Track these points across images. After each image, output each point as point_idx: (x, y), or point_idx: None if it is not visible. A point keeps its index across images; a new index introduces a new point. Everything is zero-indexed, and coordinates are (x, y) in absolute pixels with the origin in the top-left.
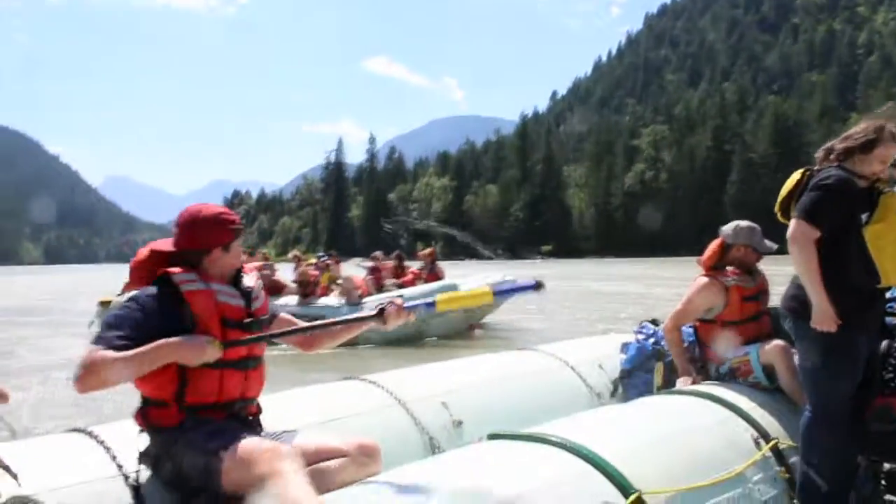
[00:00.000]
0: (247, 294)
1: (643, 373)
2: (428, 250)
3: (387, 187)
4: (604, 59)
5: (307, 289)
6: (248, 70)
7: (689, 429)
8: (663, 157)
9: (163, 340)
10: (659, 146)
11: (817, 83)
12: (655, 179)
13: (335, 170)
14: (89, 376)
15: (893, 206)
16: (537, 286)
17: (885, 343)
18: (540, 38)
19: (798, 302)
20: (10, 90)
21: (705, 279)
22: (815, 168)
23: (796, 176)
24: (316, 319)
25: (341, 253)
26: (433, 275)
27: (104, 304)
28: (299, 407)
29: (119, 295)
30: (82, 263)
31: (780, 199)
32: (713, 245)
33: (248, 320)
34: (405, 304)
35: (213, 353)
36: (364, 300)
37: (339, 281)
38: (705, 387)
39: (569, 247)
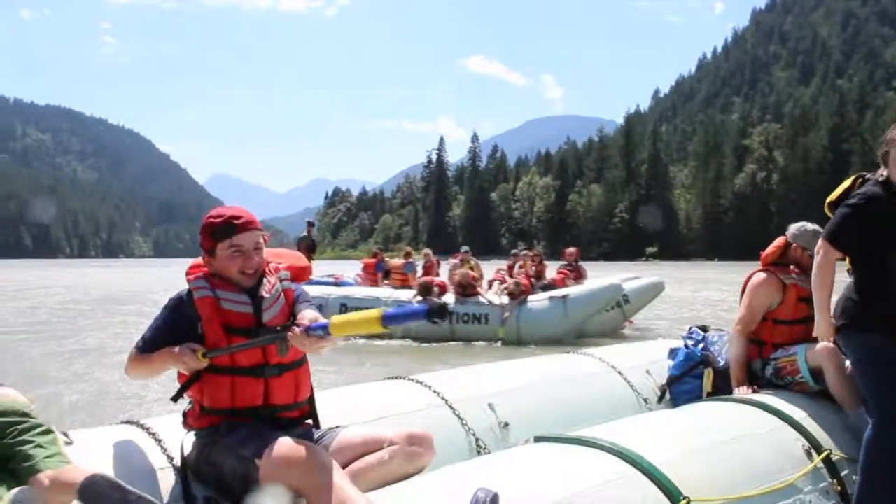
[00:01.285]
0: (258, 302)
1: (692, 379)
2: (572, 249)
3: (488, 186)
4: (708, 56)
5: (468, 289)
6: (348, 69)
7: (738, 437)
8: (776, 157)
9: (162, 350)
10: (771, 146)
11: None
12: (767, 181)
13: (437, 168)
14: (128, 370)
15: None
16: (429, 314)
17: None
18: (640, 35)
19: (846, 315)
20: (126, 90)
21: (763, 275)
22: (867, 176)
23: (848, 182)
24: (482, 317)
25: (444, 251)
26: (578, 273)
27: None
28: (346, 405)
29: None
30: (188, 257)
31: (828, 201)
32: (777, 241)
33: (256, 328)
34: (310, 325)
35: (194, 362)
36: (528, 298)
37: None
38: (755, 395)
39: (674, 249)
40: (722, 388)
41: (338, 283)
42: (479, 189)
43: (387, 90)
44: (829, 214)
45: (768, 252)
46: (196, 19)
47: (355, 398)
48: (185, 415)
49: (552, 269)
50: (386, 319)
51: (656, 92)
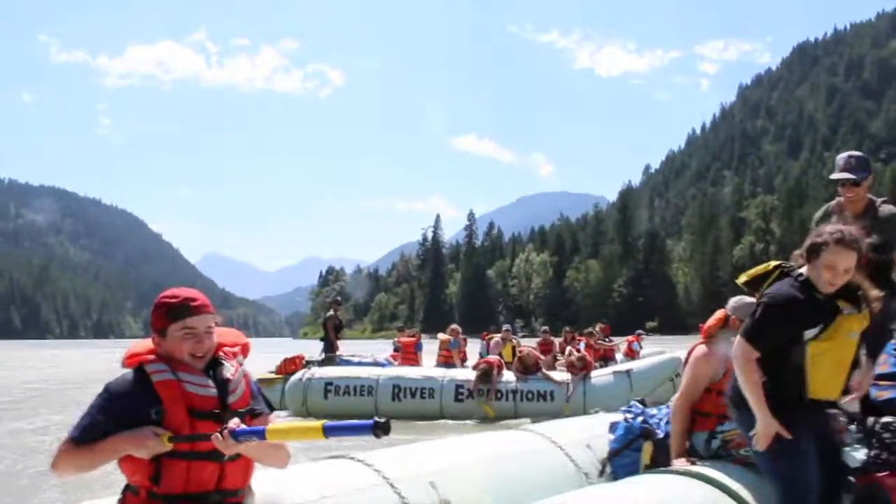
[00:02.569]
0: (223, 384)
1: (631, 452)
2: (602, 325)
3: (485, 263)
4: (697, 131)
5: (530, 368)
6: (341, 149)
7: None
8: (773, 228)
9: (114, 436)
10: (768, 217)
11: None
12: (766, 252)
13: (433, 246)
14: (56, 466)
15: (844, 329)
16: (376, 427)
17: (871, 420)
18: (629, 112)
19: (738, 393)
20: (120, 169)
21: (705, 347)
22: (786, 268)
23: (769, 266)
24: (546, 394)
25: (440, 329)
26: (610, 349)
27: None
28: (287, 487)
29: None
30: None
31: (743, 279)
32: (717, 314)
33: (220, 412)
34: (237, 430)
35: (156, 446)
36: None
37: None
38: (694, 466)
39: (674, 323)
40: (661, 461)
41: (378, 364)
42: (476, 266)
43: (379, 169)
44: (744, 288)
45: (709, 324)
46: (192, 100)
47: (292, 481)
48: (121, 500)
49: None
50: (328, 430)
51: (647, 167)
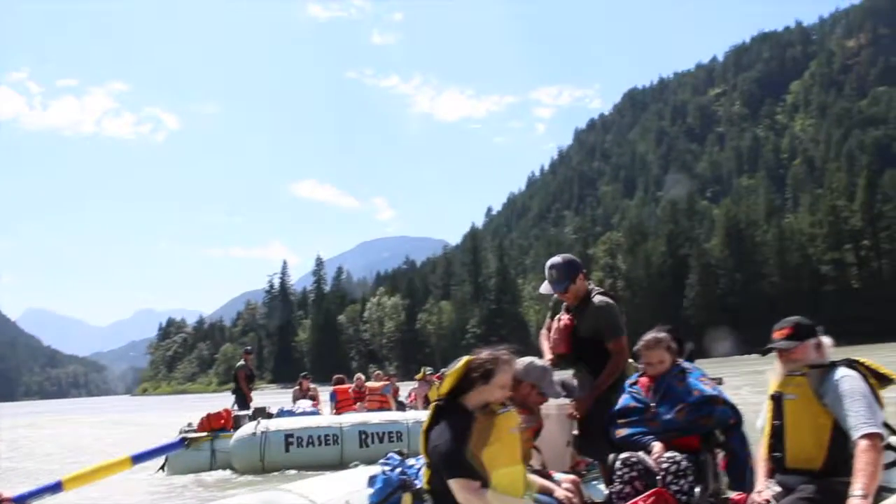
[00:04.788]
0: None
1: None
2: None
3: (334, 309)
4: (537, 174)
5: None
6: (174, 196)
7: None
8: (619, 264)
9: None
10: (614, 253)
11: (750, 187)
12: (613, 287)
13: (280, 293)
14: None
15: (504, 426)
16: (185, 442)
17: (611, 456)
18: (469, 156)
19: None
20: None
21: None
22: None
23: (461, 371)
24: None
25: (290, 377)
26: None
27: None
28: None
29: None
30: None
31: (441, 393)
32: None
33: None
34: (16, 496)
35: None
36: None
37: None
38: None
39: None
40: None
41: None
42: (326, 312)
43: (215, 216)
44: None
45: None
46: (11, 145)
47: None
48: None
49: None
50: (136, 459)
51: (489, 209)
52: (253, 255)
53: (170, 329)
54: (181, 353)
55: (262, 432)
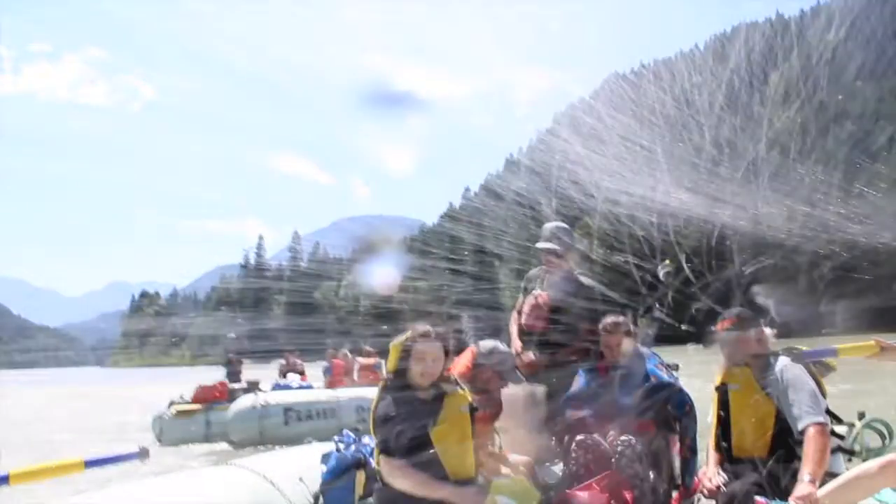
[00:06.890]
0: None
1: (344, 483)
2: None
3: (311, 285)
4: (515, 155)
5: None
6: (149, 167)
7: None
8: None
9: None
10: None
11: None
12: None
13: (256, 268)
14: None
15: (454, 405)
16: (141, 454)
17: (566, 438)
18: (446, 138)
19: None
20: None
21: None
22: None
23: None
24: None
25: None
26: None
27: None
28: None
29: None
30: None
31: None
32: (467, 358)
33: None
34: None
35: None
36: None
37: None
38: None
39: None
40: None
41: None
42: (302, 288)
43: (191, 188)
44: None
45: (459, 373)
46: None
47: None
48: None
49: None
50: (89, 464)
51: (467, 189)
52: (228, 228)
53: (142, 301)
54: (154, 327)
55: (262, 405)
